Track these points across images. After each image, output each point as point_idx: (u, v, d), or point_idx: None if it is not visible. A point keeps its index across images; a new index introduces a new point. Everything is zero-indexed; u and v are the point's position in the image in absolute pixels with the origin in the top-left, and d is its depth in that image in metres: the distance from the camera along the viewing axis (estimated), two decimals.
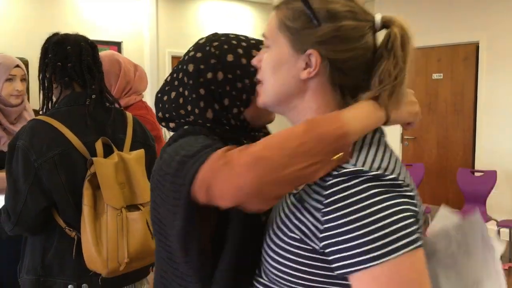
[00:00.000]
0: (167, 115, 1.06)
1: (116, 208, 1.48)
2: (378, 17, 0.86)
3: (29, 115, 2.21)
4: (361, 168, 0.77)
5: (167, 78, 1.14)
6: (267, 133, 1.10)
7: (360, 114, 0.82)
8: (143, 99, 2.35)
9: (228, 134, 1.00)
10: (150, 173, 1.68)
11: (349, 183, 0.76)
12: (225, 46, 1.02)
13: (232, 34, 1.08)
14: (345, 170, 0.77)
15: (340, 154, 0.78)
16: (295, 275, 0.81)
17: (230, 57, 1.01)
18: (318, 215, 0.78)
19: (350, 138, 0.79)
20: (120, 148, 1.63)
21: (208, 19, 7.49)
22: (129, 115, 1.74)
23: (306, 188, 0.83)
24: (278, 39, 0.86)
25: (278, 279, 0.84)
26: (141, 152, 1.62)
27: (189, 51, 1.09)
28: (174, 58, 7.20)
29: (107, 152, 1.56)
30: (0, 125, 2.08)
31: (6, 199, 1.56)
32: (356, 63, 0.84)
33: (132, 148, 1.65)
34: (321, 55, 0.82)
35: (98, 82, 1.66)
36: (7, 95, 2.10)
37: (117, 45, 6.51)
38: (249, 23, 7.96)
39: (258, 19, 8.04)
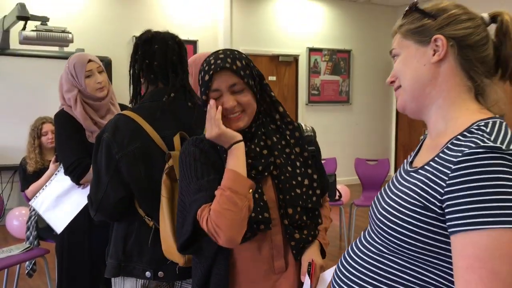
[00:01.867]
0: None
1: None
2: (485, 14, 0.99)
3: (116, 109, 2.34)
4: (500, 145, 0.84)
5: None
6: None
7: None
8: None
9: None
10: None
11: (484, 155, 0.83)
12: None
13: (216, 53, 1.34)
14: (484, 144, 0.85)
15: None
16: (412, 236, 0.92)
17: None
18: (444, 179, 0.87)
19: None
20: None
21: (282, 17, 7.51)
22: None
23: (431, 162, 0.94)
24: (404, 44, 1.03)
25: (393, 239, 0.96)
26: None
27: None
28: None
29: None
30: (91, 120, 2.22)
31: (90, 187, 1.68)
32: (478, 38, 0.97)
33: None
34: (445, 36, 0.97)
35: (181, 80, 1.72)
36: (92, 90, 2.23)
37: (193, 44, 6.71)
38: (322, 20, 7.88)
39: (331, 16, 7.95)
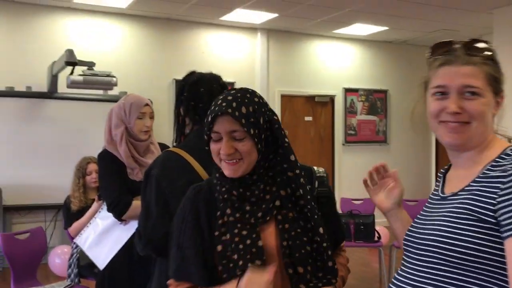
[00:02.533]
0: None
1: None
2: None
3: (155, 148, 2.44)
4: None
5: None
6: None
7: None
8: None
9: (219, 172, 1.31)
10: None
11: None
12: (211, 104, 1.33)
13: (225, 94, 1.31)
14: None
15: None
16: (472, 247, 1.04)
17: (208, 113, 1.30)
18: (495, 192, 1.03)
19: None
20: None
21: (318, 58, 7.63)
22: None
23: (472, 183, 1.09)
24: (487, 89, 1.13)
25: (452, 256, 1.06)
26: None
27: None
28: (283, 96, 7.41)
29: None
30: (132, 157, 2.32)
31: (139, 222, 1.73)
32: None
33: None
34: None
35: None
36: (138, 131, 2.34)
37: (230, 85, 6.87)
38: (358, 61, 7.95)
39: (367, 57, 8.01)
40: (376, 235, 4.69)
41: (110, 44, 6.26)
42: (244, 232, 1.24)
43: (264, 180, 1.29)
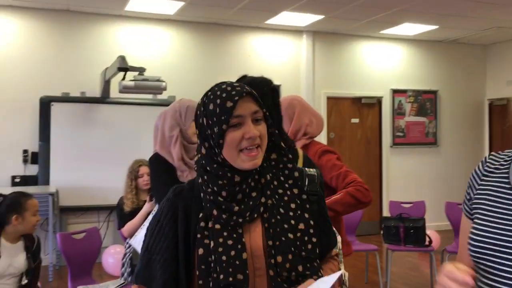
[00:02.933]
0: None
1: None
2: None
3: None
4: None
5: None
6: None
7: None
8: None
9: (216, 169, 1.21)
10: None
11: None
12: (211, 96, 1.21)
13: (229, 82, 1.24)
14: None
15: None
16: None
17: (210, 106, 1.20)
18: None
19: None
20: None
21: (364, 59, 7.53)
22: (300, 151, 1.83)
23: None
24: None
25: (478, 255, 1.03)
26: None
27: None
28: (329, 98, 7.35)
29: None
30: (182, 160, 2.37)
31: None
32: None
33: None
34: None
35: (276, 124, 1.77)
36: (192, 134, 2.39)
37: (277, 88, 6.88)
38: (406, 61, 7.79)
39: (415, 57, 7.83)
40: (427, 239, 4.57)
41: (159, 50, 6.42)
42: (230, 242, 1.18)
43: (252, 174, 1.22)
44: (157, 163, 2.41)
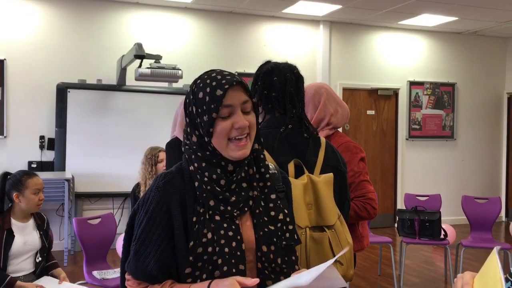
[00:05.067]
0: None
1: (300, 227, 1.54)
2: None
3: None
4: None
5: None
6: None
7: None
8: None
9: (209, 156, 1.20)
10: (339, 196, 1.72)
11: None
12: (200, 84, 1.21)
13: (218, 70, 1.23)
14: None
15: None
16: None
17: (200, 94, 1.19)
18: None
19: None
20: (311, 171, 1.68)
21: (381, 50, 7.44)
22: (323, 140, 1.79)
23: None
24: None
25: None
26: (330, 175, 1.66)
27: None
28: (345, 90, 7.29)
29: (298, 173, 1.64)
30: None
31: None
32: None
33: (323, 171, 1.69)
34: None
35: (298, 111, 1.76)
36: None
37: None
38: (424, 53, 7.68)
39: (433, 48, 7.72)
40: (443, 233, 4.52)
41: (176, 38, 6.41)
42: (230, 233, 1.17)
43: (243, 165, 1.23)
44: (175, 146, 2.41)
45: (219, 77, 1.19)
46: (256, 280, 1.11)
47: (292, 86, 1.76)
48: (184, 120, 1.27)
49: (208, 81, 1.19)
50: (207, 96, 1.17)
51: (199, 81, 1.22)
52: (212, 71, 1.23)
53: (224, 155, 1.20)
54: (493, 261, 0.92)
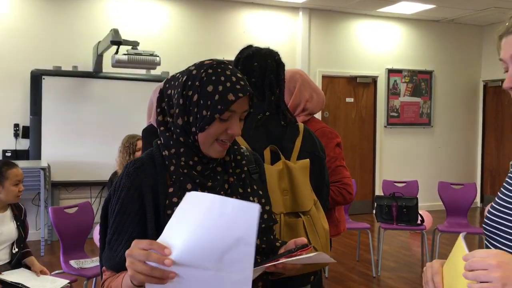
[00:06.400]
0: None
1: (275, 213, 1.53)
2: None
3: None
4: None
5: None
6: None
7: None
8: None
9: (189, 144, 1.18)
10: (316, 182, 1.71)
11: None
12: (213, 77, 1.16)
13: (233, 69, 1.19)
14: None
15: None
16: None
17: (209, 88, 1.15)
18: None
19: None
20: (288, 157, 1.67)
21: (360, 38, 7.46)
22: (301, 126, 1.77)
23: None
24: None
25: None
26: (306, 161, 1.64)
27: (191, 66, 1.23)
28: (324, 77, 7.30)
29: (275, 160, 1.62)
30: None
31: None
32: None
33: (300, 158, 1.68)
34: None
35: (276, 98, 1.73)
36: None
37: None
38: (402, 41, 7.73)
39: (411, 37, 7.77)
40: (419, 218, 4.60)
41: (153, 25, 6.31)
42: None
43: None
44: (151, 133, 2.38)
45: (234, 78, 1.17)
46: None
47: (272, 73, 1.73)
48: (168, 100, 1.22)
49: (222, 78, 1.16)
50: (217, 95, 1.14)
51: (210, 71, 1.17)
52: (226, 65, 1.19)
53: (202, 150, 1.18)
54: (460, 247, 0.93)
